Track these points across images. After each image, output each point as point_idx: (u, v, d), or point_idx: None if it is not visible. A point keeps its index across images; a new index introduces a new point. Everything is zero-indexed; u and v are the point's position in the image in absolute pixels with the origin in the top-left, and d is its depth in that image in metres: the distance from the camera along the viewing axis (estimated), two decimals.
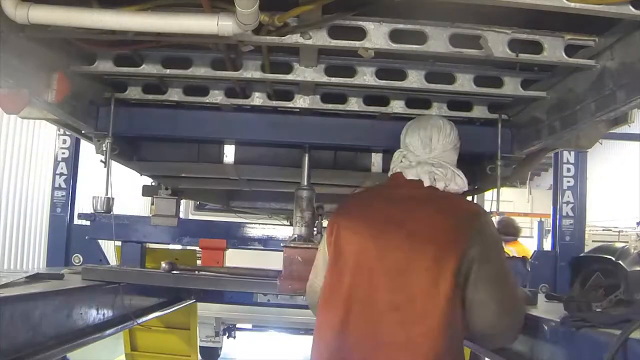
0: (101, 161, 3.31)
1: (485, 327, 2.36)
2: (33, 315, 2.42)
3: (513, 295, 2.41)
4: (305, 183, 3.44)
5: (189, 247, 5.46)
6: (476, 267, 2.27)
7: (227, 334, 9.55)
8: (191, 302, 5.18)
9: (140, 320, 3.84)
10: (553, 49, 2.41)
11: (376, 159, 3.64)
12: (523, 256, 4.26)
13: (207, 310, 7.07)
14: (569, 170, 4.77)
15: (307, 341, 11.68)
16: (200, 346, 8.57)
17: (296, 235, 3.34)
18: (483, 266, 2.28)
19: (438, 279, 2.22)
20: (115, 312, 3.36)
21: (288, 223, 6.49)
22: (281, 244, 3.43)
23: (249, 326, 9.87)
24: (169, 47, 2.75)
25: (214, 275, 3.72)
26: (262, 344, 12.44)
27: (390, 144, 3.36)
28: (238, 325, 9.66)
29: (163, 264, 3.51)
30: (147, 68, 2.86)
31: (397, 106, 3.15)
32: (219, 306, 7.42)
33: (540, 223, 13.99)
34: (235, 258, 5.05)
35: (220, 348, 9.66)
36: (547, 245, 8.69)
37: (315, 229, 3.41)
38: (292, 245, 3.20)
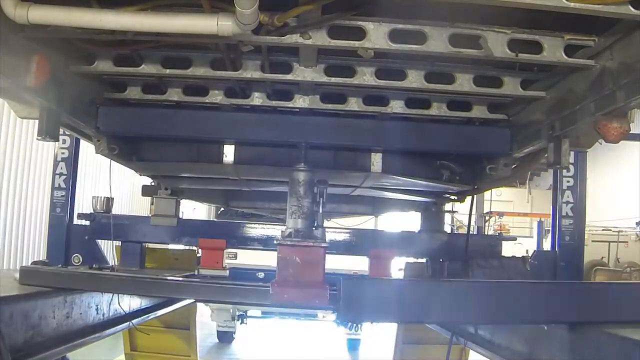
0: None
1: None
2: (32, 315, 2.42)
3: None
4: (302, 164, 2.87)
5: (188, 247, 5.47)
6: None
7: (240, 320, 10.97)
8: (190, 302, 5.17)
9: (137, 321, 3.83)
10: (552, 49, 2.41)
11: (375, 159, 3.64)
12: (523, 255, 4.25)
13: None
14: (568, 170, 4.77)
15: (306, 326, 12.22)
16: (218, 331, 11.24)
17: (291, 230, 2.77)
18: None
19: None
20: (115, 312, 3.36)
21: None
22: (274, 242, 2.84)
23: (259, 313, 11.10)
24: (168, 47, 2.74)
25: (182, 281, 3.36)
26: (269, 329, 13.46)
27: (390, 144, 3.36)
28: (249, 313, 10.99)
29: None
30: (146, 68, 2.85)
31: (397, 106, 3.15)
32: None
33: (540, 223, 14.02)
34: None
35: (234, 332, 11.39)
36: (547, 245, 8.69)
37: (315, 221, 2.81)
38: (288, 242, 2.66)
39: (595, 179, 16.60)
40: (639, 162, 16.01)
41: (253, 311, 10.88)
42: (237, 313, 10.56)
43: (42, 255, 9.47)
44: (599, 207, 16.05)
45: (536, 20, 2.33)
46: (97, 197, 4.78)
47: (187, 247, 5.43)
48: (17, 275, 2.92)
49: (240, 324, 11.15)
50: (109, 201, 4.81)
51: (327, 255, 2.72)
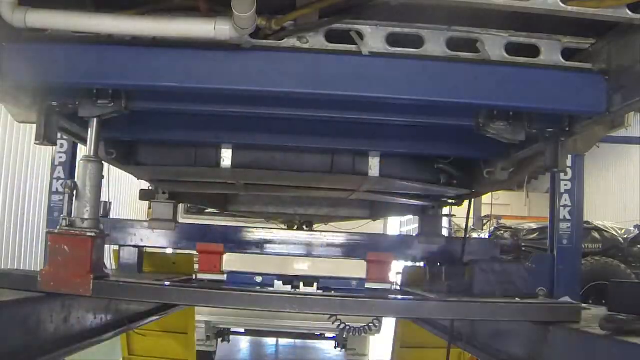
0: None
1: None
2: (30, 319, 2.42)
3: None
4: None
5: (186, 252, 5.45)
6: None
7: (221, 338, 9.50)
8: (188, 306, 5.17)
9: (135, 325, 3.82)
10: (549, 52, 2.41)
11: (373, 163, 3.64)
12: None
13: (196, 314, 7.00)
14: (566, 173, 4.77)
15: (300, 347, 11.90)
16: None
17: None
18: None
19: None
20: (112, 316, 3.35)
21: (285, 227, 6.49)
22: None
23: (242, 330, 9.85)
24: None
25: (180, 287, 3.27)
26: (257, 348, 12.51)
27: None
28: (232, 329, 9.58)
29: None
30: None
31: None
32: (208, 310, 7.39)
33: None
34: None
35: (215, 352, 9.54)
36: None
37: None
38: None
39: (593, 182, 16.63)
40: (638, 166, 16.03)
41: (235, 328, 9.51)
42: (214, 330, 8.93)
43: (40, 259, 9.49)
44: (596, 211, 16.07)
45: (533, 23, 2.33)
46: None
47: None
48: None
49: (222, 342, 9.67)
50: (106, 205, 4.79)
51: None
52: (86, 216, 2.59)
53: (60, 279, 2.48)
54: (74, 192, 2.57)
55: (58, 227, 2.52)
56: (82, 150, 4.58)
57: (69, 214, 2.56)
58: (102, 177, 2.69)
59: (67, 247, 2.51)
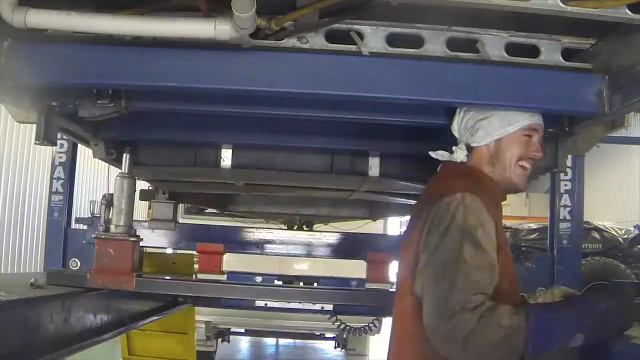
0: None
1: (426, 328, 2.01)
2: (30, 319, 2.42)
3: (452, 296, 1.92)
4: None
5: (186, 252, 5.45)
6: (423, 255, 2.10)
7: (221, 338, 9.45)
8: (188, 306, 5.16)
9: (135, 325, 3.82)
10: (549, 52, 2.41)
11: (373, 163, 3.64)
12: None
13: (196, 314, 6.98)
14: (566, 173, 4.75)
15: (300, 347, 11.92)
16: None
17: None
18: (425, 254, 2.09)
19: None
20: (112, 316, 3.35)
21: (285, 227, 6.49)
22: None
23: (242, 330, 9.78)
24: None
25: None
26: (257, 348, 12.51)
27: None
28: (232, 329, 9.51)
29: None
30: None
31: None
32: (208, 310, 7.39)
33: None
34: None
35: (215, 352, 9.46)
36: None
37: None
38: None
39: (593, 182, 16.64)
40: (638, 166, 16.04)
41: (235, 328, 9.48)
42: (214, 331, 8.92)
43: (40, 259, 9.49)
44: (596, 211, 16.07)
45: (533, 23, 2.34)
46: (96, 201, 4.76)
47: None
48: (33, 280, 2.90)
49: (222, 342, 9.60)
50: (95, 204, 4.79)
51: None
52: (121, 223, 3.23)
53: (107, 277, 3.04)
54: (109, 204, 3.23)
55: (96, 233, 3.23)
56: (82, 150, 4.57)
57: (106, 221, 3.19)
58: (135, 190, 3.33)
59: (112, 250, 3.12)
